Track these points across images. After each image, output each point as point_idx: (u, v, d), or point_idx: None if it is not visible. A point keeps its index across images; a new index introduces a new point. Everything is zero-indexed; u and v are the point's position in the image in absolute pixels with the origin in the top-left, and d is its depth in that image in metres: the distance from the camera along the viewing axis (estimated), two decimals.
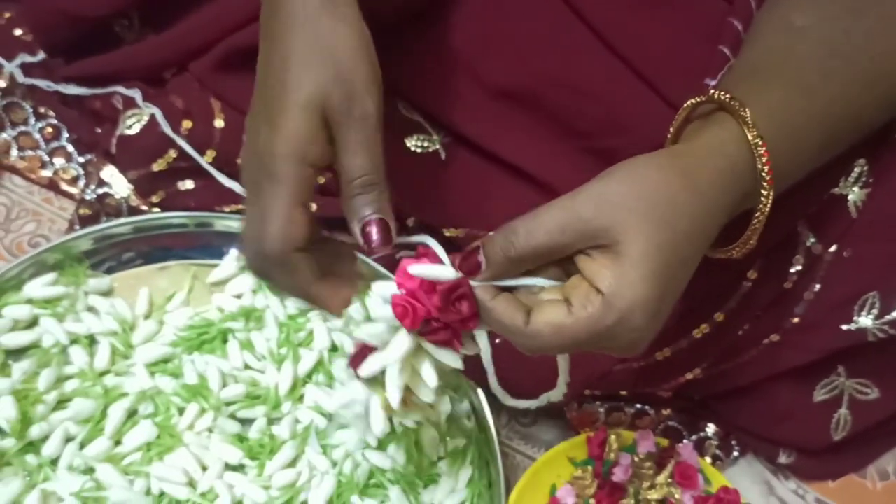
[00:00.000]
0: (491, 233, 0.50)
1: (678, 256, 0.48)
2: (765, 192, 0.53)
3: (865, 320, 0.66)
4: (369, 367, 0.54)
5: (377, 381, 0.55)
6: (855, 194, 0.65)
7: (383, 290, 0.53)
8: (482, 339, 0.67)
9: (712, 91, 0.55)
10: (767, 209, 0.53)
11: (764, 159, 0.52)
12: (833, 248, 0.66)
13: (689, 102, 0.57)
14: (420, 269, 0.51)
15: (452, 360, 0.54)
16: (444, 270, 0.51)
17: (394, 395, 0.54)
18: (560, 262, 0.50)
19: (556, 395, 0.60)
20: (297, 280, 0.55)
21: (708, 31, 0.65)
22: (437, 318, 0.51)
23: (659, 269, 0.47)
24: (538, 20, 0.69)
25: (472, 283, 0.51)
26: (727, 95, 0.53)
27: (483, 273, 0.50)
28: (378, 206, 0.53)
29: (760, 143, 0.52)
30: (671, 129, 0.58)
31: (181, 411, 0.72)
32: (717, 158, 0.51)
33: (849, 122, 0.58)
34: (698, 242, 0.50)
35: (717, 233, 0.52)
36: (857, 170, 0.65)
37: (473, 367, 0.70)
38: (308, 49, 0.52)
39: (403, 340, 0.53)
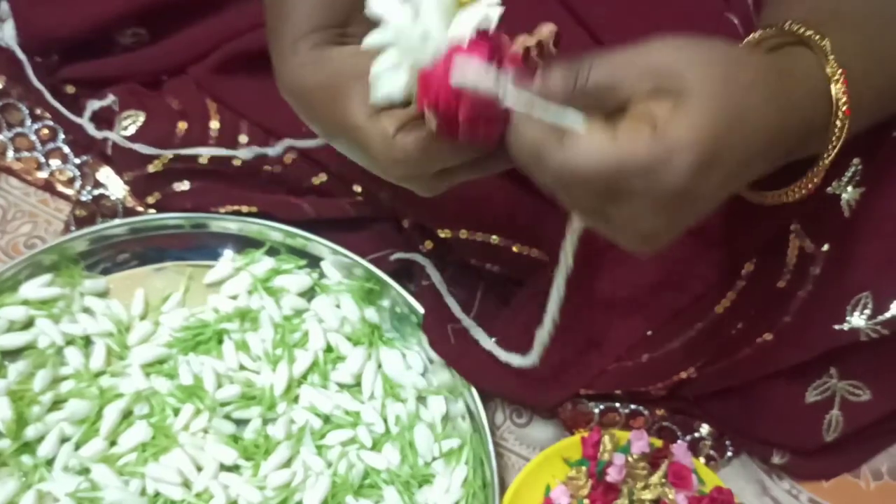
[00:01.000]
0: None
1: (742, 130, 0.44)
2: (838, 127, 0.49)
3: (858, 320, 0.66)
4: None
5: None
6: (848, 194, 0.65)
7: None
8: (480, 335, 0.68)
9: (788, 23, 0.51)
10: (842, 140, 0.50)
11: (843, 89, 0.49)
12: (826, 248, 0.66)
13: (755, 35, 0.54)
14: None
15: None
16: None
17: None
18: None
19: (544, 332, 0.59)
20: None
21: (705, 28, 0.65)
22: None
23: (720, 128, 0.43)
24: (534, 20, 0.69)
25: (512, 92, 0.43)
26: (803, 27, 0.50)
27: (536, 83, 0.44)
28: None
29: (839, 72, 0.49)
30: None
31: (176, 412, 0.72)
32: (807, 79, 0.48)
33: None
34: (766, 134, 0.46)
35: (785, 149, 0.49)
36: (851, 169, 0.65)
37: (470, 367, 0.71)
38: None
39: None
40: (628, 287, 0.69)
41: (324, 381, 0.75)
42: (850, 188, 0.65)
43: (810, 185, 0.52)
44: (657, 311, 0.69)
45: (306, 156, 0.76)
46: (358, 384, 0.75)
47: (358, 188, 0.76)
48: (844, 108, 0.49)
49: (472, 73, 0.43)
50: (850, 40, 0.51)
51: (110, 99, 0.77)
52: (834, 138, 0.50)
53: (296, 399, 0.74)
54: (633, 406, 0.78)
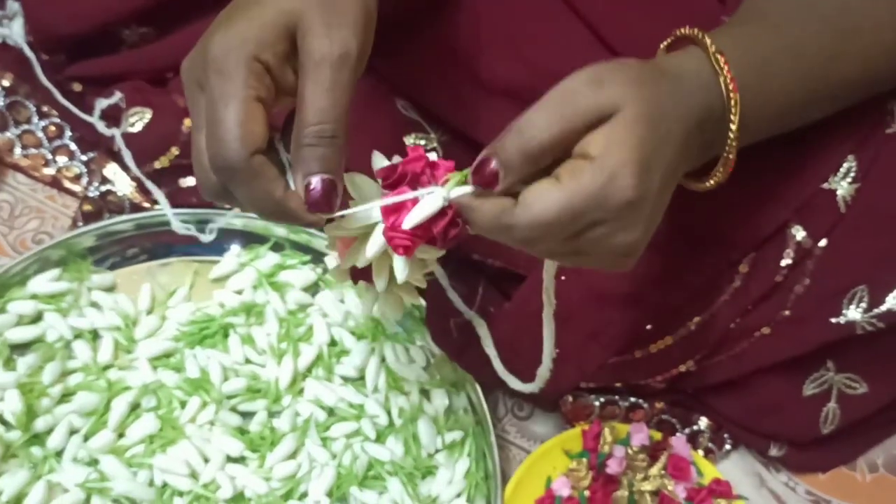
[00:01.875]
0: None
1: (664, 135, 0.48)
2: (732, 102, 0.53)
3: (854, 313, 0.67)
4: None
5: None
6: (844, 189, 0.66)
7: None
8: (482, 330, 0.69)
9: (676, 30, 0.56)
10: (737, 121, 0.53)
11: (725, 69, 0.52)
12: (822, 243, 0.67)
13: (662, 46, 0.58)
14: (415, 217, 0.47)
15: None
16: (434, 202, 0.48)
17: (380, 282, 0.52)
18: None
19: (544, 368, 0.61)
20: (262, 186, 0.46)
21: (700, 29, 0.67)
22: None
23: (648, 137, 0.47)
24: (535, 17, 0.69)
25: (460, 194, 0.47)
26: (689, 29, 0.55)
27: (502, 181, 0.46)
28: (328, 165, 0.46)
29: (720, 55, 0.52)
30: None
31: (183, 404, 0.73)
32: (694, 78, 0.52)
33: (823, 69, 0.59)
34: (679, 129, 0.50)
35: (693, 144, 0.52)
36: (846, 165, 0.66)
37: (472, 360, 0.72)
38: None
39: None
40: (627, 282, 0.69)
41: (328, 374, 0.76)
42: (845, 184, 0.66)
43: (726, 166, 0.55)
44: (656, 305, 0.70)
45: None
46: (362, 377, 0.76)
47: None
48: (732, 86, 0.52)
49: (419, 213, 0.47)
50: (743, 32, 0.56)
51: (117, 96, 0.78)
52: (732, 118, 0.53)
53: (301, 392, 0.75)
54: (632, 399, 0.79)
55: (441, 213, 0.48)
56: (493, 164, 0.46)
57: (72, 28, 0.76)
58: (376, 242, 0.49)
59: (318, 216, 0.47)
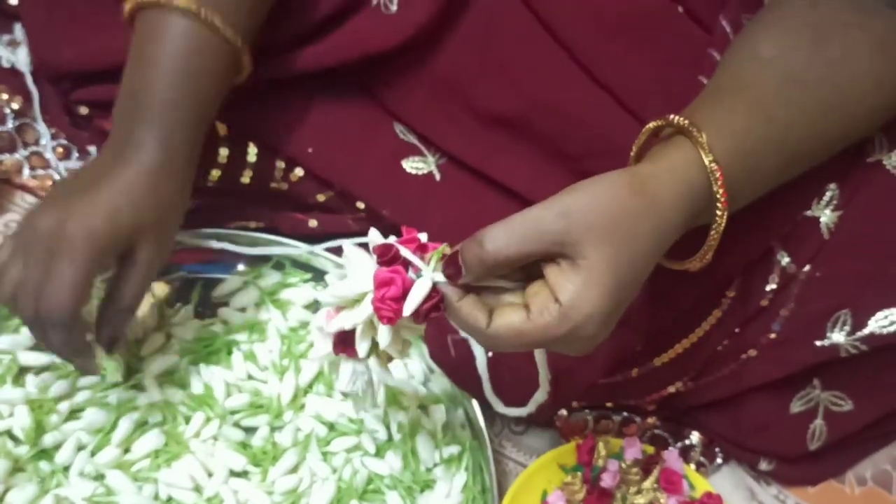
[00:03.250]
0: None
1: (633, 273, 0.52)
2: (719, 213, 0.55)
3: (838, 336, 0.68)
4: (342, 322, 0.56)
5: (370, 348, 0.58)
6: (827, 217, 0.68)
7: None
8: (477, 350, 0.71)
9: (672, 116, 0.57)
10: (721, 228, 0.56)
11: (719, 182, 0.54)
12: (807, 268, 0.69)
13: (650, 125, 0.59)
14: (413, 302, 0.53)
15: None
16: (425, 285, 0.53)
17: (363, 347, 0.57)
18: (526, 266, 0.53)
19: (540, 395, 0.63)
20: (75, 334, 0.61)
21: (688, 61, 0.68)
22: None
23: (615, 286, 0.50)
24: (527, 51, 0.71)
25: (445, 284, 0.53)
26: (686, 121, 0.56)
27: (463, 279, 0.52)
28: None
29: (716, 167, 0.54)
30: (633, 149, 0.62)
31: (188, 420, 0.74)
32: (677, 183, 0.54)
33: (808, 146, 0.61)
34: (652, 258, 0.53)
35: (669, 246, 0.55)
36: (828, 193, 0.68)
37: (469, 378, 0.73)
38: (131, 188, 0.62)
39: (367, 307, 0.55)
40: None
41: (329, 390, 0.77)
42: (827, 211, 0.68)
43: (707, 258, 0.58)
44: (646, 328, 0.71)
45: (312, 174, 0.78)
46: None
47: (361, 205, 0.79)
48: (723, 199, 0.55)
49: (416, 298, 0.53)
50: (733, 120, 0.58)
51: None
52: (715, 224, 0.56)
53: (302, 407, 0.77)
54: (625, 414, 0.81)
55: (428, 296, 0.53)
56: (459, 261, 0.52)
57: (76, 66, 0.78)
58: (364, 311, 0.54)
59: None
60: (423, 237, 0.55)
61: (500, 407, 0.66)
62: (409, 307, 0.52)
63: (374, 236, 0.55)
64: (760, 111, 0.59)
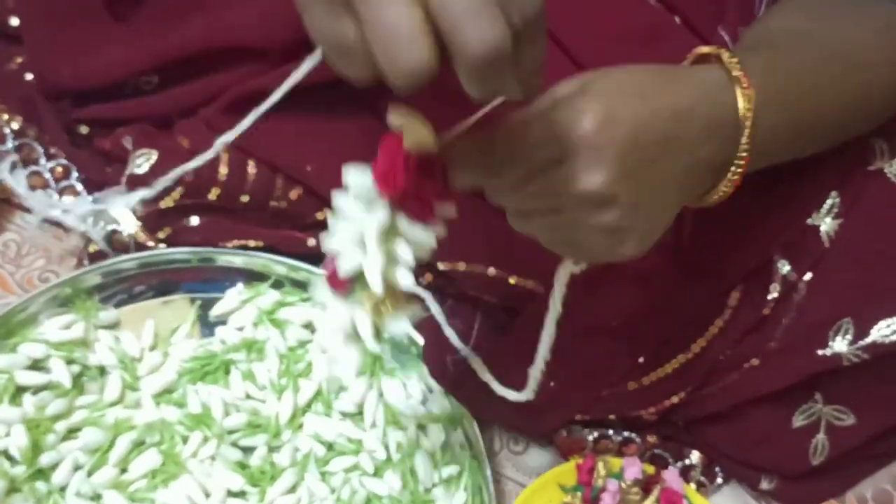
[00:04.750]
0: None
1: (653, 134, 0.49)
2: (745, 98, 0.52)
3: (840, 345, 0.68)
4: (347, 263, 0.51)
5: (356, 293, 0.53)
6: (827, 225, 0.68)
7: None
8: (477, 362, 0.70)
9: (699, 47, 0.57)
10: (748, 130, 0.53)
11: (745, 82, 0.52)
12: (807, 277, 0.69)
13: (686, 60, 0.59)
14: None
15: (426, 237, 0.52)
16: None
17: (375, 279, 0.50)
18: None
19: (536, 369, 0.61)
20: None
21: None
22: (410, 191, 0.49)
23: (611, 98, 0.49)
24: None
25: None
26: (710, 47, 0.56)
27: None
28: None
29: (736, 61, 0.53)
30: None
31: (185, 440, 0.74)
32: (697, 77, 0.53)
33: (830, 99, 0.59)
34: (673, 135, 0.50)
35: (692, 151, 0.52)
36: (829, 201, 0.68)
37: (469, 394, 0.73)
38: None
39: (380, 214, 0.49)
40: (620, 316, 0.71)
41: (327, 409, 0.77)
42: (828, 219, 0.68)
43: (735, 178, 0.55)
44: (648, 338, 0.72)
45: (311, 192, 0.79)
46: (360, 413, 0.77)
47: None
48: (744, 79, 0.53)
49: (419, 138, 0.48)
50: (767, 60, 0.56)
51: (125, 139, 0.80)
52: (745, 130, 0.53)
53: (300, 427, 0.76)
54: (625, 433, 0.80)
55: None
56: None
57: (77, 84, 0.78)
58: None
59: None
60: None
61: (508, 392, 0.65)
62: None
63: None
64: (783, 51, 0.58)
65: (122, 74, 0.78)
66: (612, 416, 0.78)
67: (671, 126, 0.50)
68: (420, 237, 0.51)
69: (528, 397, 0.63)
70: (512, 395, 0.64)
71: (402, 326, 0.55)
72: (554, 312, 0.59)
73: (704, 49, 0.57)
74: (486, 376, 0.60)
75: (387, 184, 0.48)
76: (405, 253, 0.51)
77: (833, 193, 0.68)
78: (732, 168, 0.54)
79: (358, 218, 0.50)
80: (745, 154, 0.54)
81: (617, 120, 0.49)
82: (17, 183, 0.83)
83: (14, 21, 0.84)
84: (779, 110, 0.55)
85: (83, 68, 0.77)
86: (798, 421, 0.74)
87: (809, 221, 0.68)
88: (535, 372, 0.61)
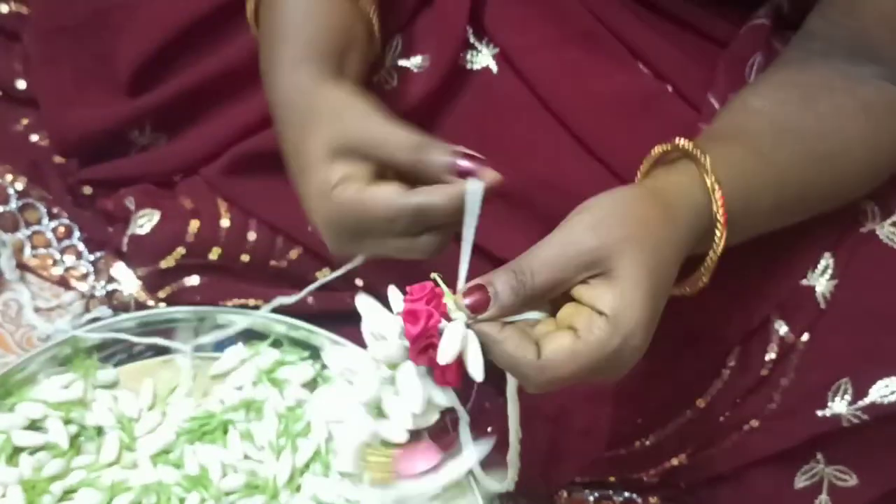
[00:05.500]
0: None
1: (663, 280, 0.52)
2: (718, 234, 0.56)
3: (839, 406, 0.68)
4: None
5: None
6: (822, 286, 0.69)
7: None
8: (464, 428, 0.70)
9: (677, 139, 0.59)
10: (720, 250, 0.57)
11: (719, 202, 0.55)
12: (805, 338, 0.69)
13: (657, 149, 0.61)
14: (449, 350, 0.50)
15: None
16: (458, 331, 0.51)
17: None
18: None
19: (512, 454, 0.62)
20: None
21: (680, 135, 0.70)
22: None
23: (652, 291, 0.50)
24: (524, 126, 0.73)
25: (478, 319, 0.51)
26: (690, 143, 0.58)
27: (491, 310, 0.50)
28: (444, 149, 0.55)
29: (717, 186, 0.56)
30: (639, 175, 0.63)
31: (182, 501, 0.73)
32: (685, 196, 0.55)
33: (800, 193, 0.63)
34: (674, 268, 0.54)
35: (681, 263, 0.55)
36: (823, 262, 0.69)
37: None
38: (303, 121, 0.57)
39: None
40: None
41: (325, 470, 0.76)
42: (823, 280, 0.69)
43: (703, 280, 0.58)
44: (647, 399, 0.72)
45: (310, 251, 0.79)
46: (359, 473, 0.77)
47: (360, 282, 0.79)
48: (722, 220, 0.56)
49: (452, 345, 0.50)
50: (732, 154, 0.59)
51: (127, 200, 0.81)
52: (714, 245, 0.57)
53: (298, 488, 0.75)
54: (626, 494, 0.80)
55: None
56: (487, 293, 0.50)
57: (87, 129, 0.80)
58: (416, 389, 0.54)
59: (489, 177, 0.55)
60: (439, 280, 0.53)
61: (488, 482, 0.65)
62: (446, 354, 0.50)
63: (393, 294, 0.54)
64: (755, 149, 0.61)
65: (126, 118, 0.80)
66: (612, 478, 0.77)
67: (675, 263, 0.54)
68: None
69: (509, 487, 0.63)
70: (493, 484, 0.64)
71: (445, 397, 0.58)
72: (514, 382, 0.59)
73: (682, 143, 0.59)
74: (469, 450, 0.60)
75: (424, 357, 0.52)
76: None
77: (827, 255, 0.69)
78: (702, 275, 0.58)
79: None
80: (713, 263, 0.57)
81: (657, 319, 0.52)
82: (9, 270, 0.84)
83: (21, 84, 0.86)
84: (744, 228, 0.59)
85: (95, 112, 0.79)
86: (800, 482, 0.74)
87: (804, 282, 0.69)
88: (513, 456, 0.62)
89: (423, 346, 0.51)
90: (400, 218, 0.54)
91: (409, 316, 0.51)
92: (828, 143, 0.63)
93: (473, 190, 0.53)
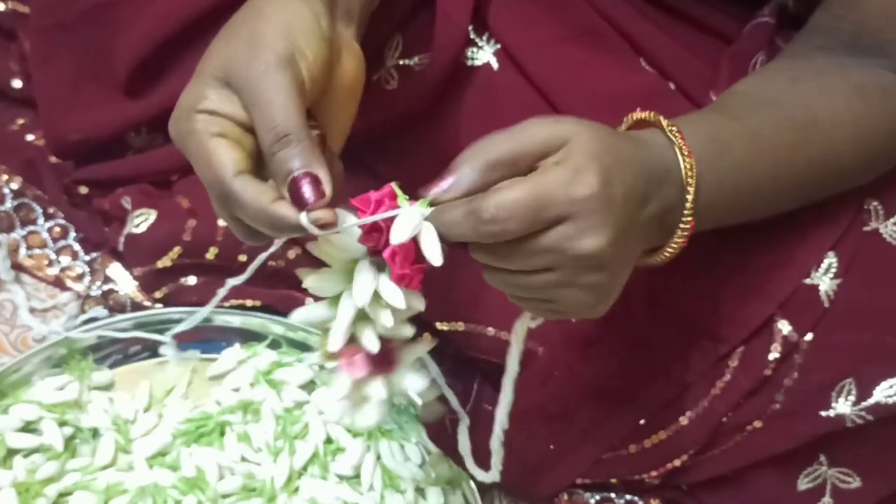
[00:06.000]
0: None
1: (623, 154, 0.51)
2: (687, 165, 0.55)
3: (843, 406, 0.68)
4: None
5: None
6: (826, 284, 0.68)
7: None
8: (463, 429, 0.70)
9: (634, 113, 0.59)
10: (692, 192, 0.55)
11: (679, 137, 0.55)
12: (808, 337, 0.69)
13: (629, 117, 0.60)
14: (401, 231, 0.49)
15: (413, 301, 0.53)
16: (414, 216, 0.49)
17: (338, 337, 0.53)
18: None
19: (495, 441, 0.61)
20: (252, 201, 0.48)
21: None
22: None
23: (605, 152, 0.50)
24: (517, 117, 0.73)
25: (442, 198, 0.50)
26: (644, 112, 0.58)
27: (453, 188, 0.49)
28: (303, 160, 0.47)
29: (677, 130, 0.55)
30: None
31: None
32: (650, 147, 0.55)
33: (791, 169, 0.62)
34: (642, 190, 0.52)
35: (650, 194, 0.53)
36: (826, 261, 0.68)
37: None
38: (235, 25, 0.52)
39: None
40: (619, 377, 0.70)
41: (323, 472, 0.76)
42: (826, 279, 0.68)
43: (682, 241, 0.56)
44: (648, 400, 0.71)
45: (309, 252, 0.78)
46: (357, 476, 0.76)
47: None
48: (687, 159, 0.55)
49: (404, 227, 0.49)
50: (710, 126, 0.59)
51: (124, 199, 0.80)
52: (689, 183, 0.55)
53: (296, 490, 0.75)
54: (628, 496, 0.79)
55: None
56: (448, 175, 0.50)
57: (84, 134, 0.79)
58: (366, 280, 0.51)
59: (312, 218, 0.47)
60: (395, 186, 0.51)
61: (479, 473, 0.65)
62: (397, 234, 0.48)
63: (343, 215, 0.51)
64: (726, 113, 0.60)
65: (123, 125, 0.79)
66: (613, 480, 0.77)
67: (645, 189, 0.52)
68: (405, 302, 0.51)
69: (494, 477, 0.62)
70: (480, 474, 0.63)
71: (416, 383, 0.56)
72: (512, 371, 0.59)
73: (641, 115, 0.58)
74: (464, 446, 0.59)
75: (372, 239, 0.50)
76: (385, 319, 0.52)
77: (830, 254, 0.68)
78: (678, 231, 0.56)
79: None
80: (689, 217, 0.56)
81: (613, 182, 0.50)
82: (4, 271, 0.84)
83: (17, 83, 0.85)
84: (719, 176, 0.58)
85: (91, 124, 0.78)
86: (803, 484, 0.73)
87: (808, 281, 0.68)
88: (496, 444, 0.61)
89: (370, 229, 0.50)
90: (226, 201, 0.49)
91: (361, 202, 0.50)
92: (811, 112, 0.62)
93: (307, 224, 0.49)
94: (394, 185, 0.51)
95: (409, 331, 0.55)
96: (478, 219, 0.48)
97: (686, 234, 0.56)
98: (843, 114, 0.63)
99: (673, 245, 0.56)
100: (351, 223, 0.50)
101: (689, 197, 0.55)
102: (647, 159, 0.53)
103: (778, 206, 0.65)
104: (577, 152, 0.49)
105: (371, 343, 0.53)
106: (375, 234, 0.50)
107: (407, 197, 0.50)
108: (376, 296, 0.52)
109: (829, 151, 0.63)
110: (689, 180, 0.55)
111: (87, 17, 0.80)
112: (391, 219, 0.49)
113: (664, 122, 0.56)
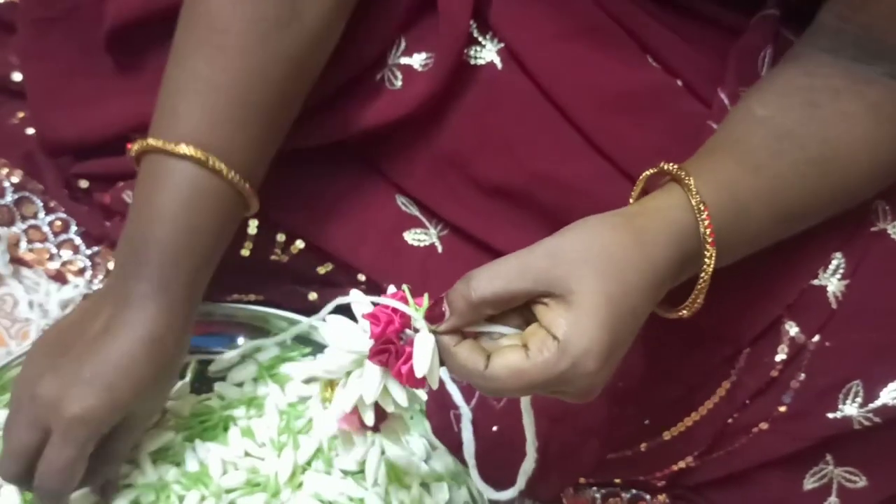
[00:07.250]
0: None
1: (628, 307, 0.52)
2: (707, 254, 0.56)
3: (850, 409, 0.68)
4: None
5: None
6: (834, 286, 0.68)
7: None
8: (467, 431, 0.70)
9: (663, 164, 0.59)
10: (710, 269, 0.57)
11: (706, 222, 0.56)
12: (816, 339, 0.69)
13: (645, 174, 0.61)
14: (422, 361, 0.53)
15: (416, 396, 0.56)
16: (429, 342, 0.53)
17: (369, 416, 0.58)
18: (521, 310, 0.54)
19: (528, 464, 0.62)
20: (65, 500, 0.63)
21: (688, 133, 0.69)
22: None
23: (609, 319, 0.51)
24: (529, 123, 0.72)
25: (438, 330, 0.53)
26: (675, 166, 0.58)
27: (447, 321, 0.52)
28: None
29: (703, 206, 0.56)
30: (631, 199, 0.63)
31: (181, 499, 0.72)
32: (664, 220, 0.55)
33: (802, 202, 0.62)
34: (646, 294, 0.53)
35: (666, 287, 0.56)
36: (834, 262, 0.68)
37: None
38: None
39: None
40: (624, 378, 0.70)
41: (328, 467, 0.76)
42: (834, 280, 0.68)
43: (698, 302, 0.59)
44: (654, 401, 0.71)
45: (313, 246, 0.78)
46: (362, 470, 0.75)
47: (363, 277, 0.78)
48: (710, 239, 0.56)
49: (424, 356, 0.53)
50: (722, 170, 0.60)
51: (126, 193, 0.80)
52: (704, 265, 0.57)
53: (300, 485, 0.75)
54: (634, 491, 0.79)
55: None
56: (443, 307, 0.52)
57: (78, 140, 0.79)
58: (373, 383, 0.55)
59: None
60: (406, 291, 0.55)
61: (491, 493, 0.65)
62: (421, 366, 0.52)
63: (357, 297, 0.55)
64: (749, 162, 0.60)
65: (122, 128, 0.78)
66: (618, 481, 0.77)
67: (655, 296, 0.55)
68: (408, 398, 0.56)
69: (512, 496, 0.63)
70: (492, 493, 0.65)
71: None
72: (529, 416, 0.60)
73: (667, 167, 0.59)
74: (469, 453, 0.60)
75: (381, 361, 0.53)
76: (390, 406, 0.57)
77: (837, 254, 0.68)
78: (696, 292, 0.58)
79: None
80: (705, 276, 0.57)
81: (613, 355, 0.52)
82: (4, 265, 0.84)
83: (17, 76, 0.84)
84: (735, 237, 0.59)
85: (84, 124, 0.77)
86: (809, 483, 0.73)
87: (815, 282, 0.68)
88: (528, 465, 0.62)
89: (380, 348, 0.53)
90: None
91: (372, 318, 0.53)
92: (831, 148, 0.62)
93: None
94: (405, 289, 0.54)
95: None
96: (478, 381, 0.53)
97: (699, 303, 0.59)
98: (861, 144, 0.63)
99: (688, 309, 0.59)
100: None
101: (704, 277, 0.57)
102: (657, 270, 0.54)
103: (792, 233, 0.66)
104: (577, 336, 0.50)
105: (370, 420, 0.57)
106: (384, 356, 0.53)
107: (417, 306, 0.54)
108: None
109: (845, 185, 0.63)
110: (707, 259, 0.57)
111: (80, 8, 0.79)
112: (402, 340, 0.54)
113: (694, 197, 0.56)
